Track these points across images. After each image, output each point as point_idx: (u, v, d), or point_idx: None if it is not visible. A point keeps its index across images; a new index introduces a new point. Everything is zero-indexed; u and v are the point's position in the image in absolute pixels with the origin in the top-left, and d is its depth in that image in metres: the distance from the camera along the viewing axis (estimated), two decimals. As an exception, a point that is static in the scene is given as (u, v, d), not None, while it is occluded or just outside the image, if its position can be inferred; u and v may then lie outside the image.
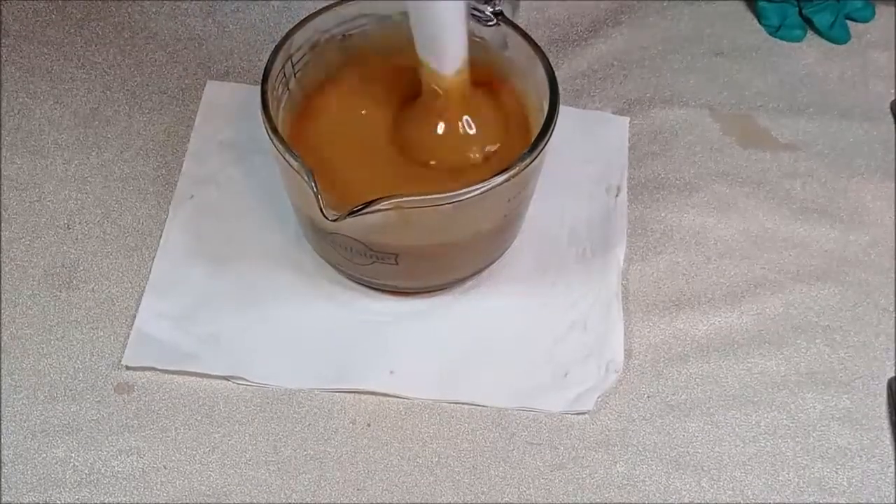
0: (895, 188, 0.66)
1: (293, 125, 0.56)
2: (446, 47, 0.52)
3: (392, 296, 0.60)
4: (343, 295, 0.60)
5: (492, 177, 0.50)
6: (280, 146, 0.50)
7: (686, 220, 0.65)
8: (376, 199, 0.48)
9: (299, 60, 0.55)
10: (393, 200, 0.48)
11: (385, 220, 0.49)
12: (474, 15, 0.56)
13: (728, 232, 0.64)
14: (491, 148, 0.56)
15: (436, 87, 0.54)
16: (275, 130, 0.51)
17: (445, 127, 0.55)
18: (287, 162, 0.50)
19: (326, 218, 0.48)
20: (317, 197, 0.48)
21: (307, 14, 0.55)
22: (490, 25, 0.56)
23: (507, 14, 0.56)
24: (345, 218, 0.48)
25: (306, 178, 0.49)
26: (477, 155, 0.56)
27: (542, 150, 0.52)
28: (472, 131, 0.55)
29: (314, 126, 0.56)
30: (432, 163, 0.55)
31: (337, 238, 0.54)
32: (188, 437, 0.55)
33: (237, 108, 0.67)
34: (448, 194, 0.49)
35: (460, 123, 0.55)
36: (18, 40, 0.70)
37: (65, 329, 0.58)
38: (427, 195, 0.49)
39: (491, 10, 0.56)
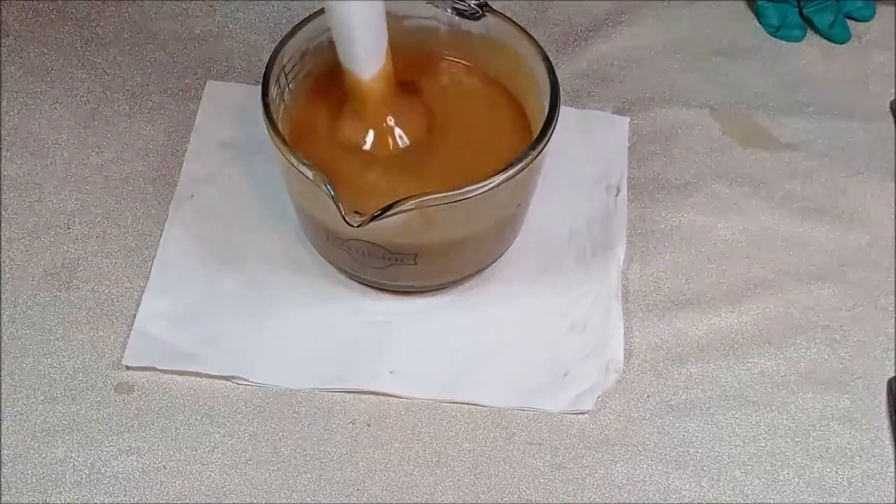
0: (895, 188, 0.66)
1: (292, 134, 0.55)
2: (358, 51, 0.52)
3: (392, 295, 0.60)
4: (343, 295, 0.60)
5: (498, 173, 0.50)
6: (293, 158, 0.50)
7: (686, 220, 0.65)
8: (398, 201, 0.48)
9: (291, 70, 0.55)
10: (414, 200, 0.48)
11: (406, 220, 0.49)
12: (457, 8, 0.55)
13: (728, 232, 0.64)
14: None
15: (355, 89, 0.54)
16: (284, 143, 0.51)
17: (369, 128, 0.55)
18: (301, 173, 0.50)
19: (350, 225, 0.48)
20: (338, 205, 0.48)
21: (307, 14, 0.55)
22: (477, 18, 0.56)
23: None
24: (368, 223, 0.48)
25: (325, 188, 0.48)
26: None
27: (546, 141, 0.52)
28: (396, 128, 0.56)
29: (312, 134, 0.56)
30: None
31: (354, 244, 0.54)
32: (188, 437, 0.55)
33: (237, 108, 0.67)
34: (463, 190, 0.49)
35: (384, 123, 0.55)
36: (18, 40, 0.70)
37: (65, 329, 0.58)
38: (445, 192, 0.49)
39: (475, 1, 0.55)
